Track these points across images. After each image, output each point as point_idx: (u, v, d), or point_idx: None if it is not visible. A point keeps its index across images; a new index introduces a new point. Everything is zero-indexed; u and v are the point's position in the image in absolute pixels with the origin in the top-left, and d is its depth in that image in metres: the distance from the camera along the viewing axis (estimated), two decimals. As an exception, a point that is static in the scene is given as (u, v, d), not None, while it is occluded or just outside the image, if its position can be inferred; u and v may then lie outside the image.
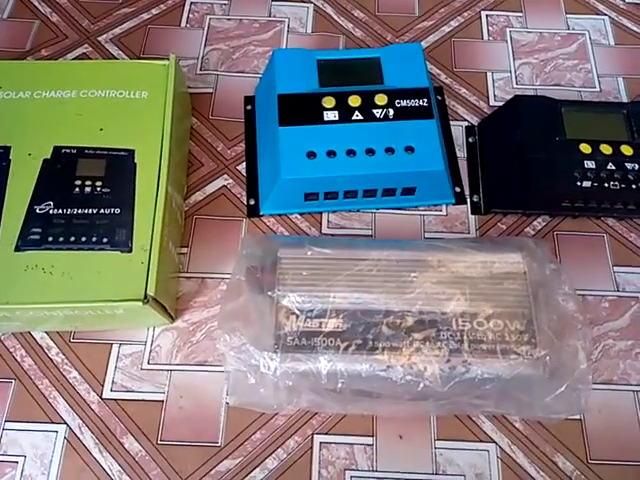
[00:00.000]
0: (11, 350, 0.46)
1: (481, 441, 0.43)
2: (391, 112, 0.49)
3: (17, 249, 0.41)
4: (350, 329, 0.40)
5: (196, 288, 0.49)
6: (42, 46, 0.61)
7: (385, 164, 0.47)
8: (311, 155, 0.47)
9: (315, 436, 0.44)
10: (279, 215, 0.52)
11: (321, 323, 0.40)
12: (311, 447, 0.43)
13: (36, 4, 0.64)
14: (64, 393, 0.45)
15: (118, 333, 0.47)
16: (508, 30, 0.63)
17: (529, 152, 0.48)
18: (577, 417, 0.44)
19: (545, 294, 0.41)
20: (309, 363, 0.39)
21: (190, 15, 0.63)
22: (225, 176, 0.54)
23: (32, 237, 0.42)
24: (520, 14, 0.64)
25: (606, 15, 0.65)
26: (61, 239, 0.42)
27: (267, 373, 0.39)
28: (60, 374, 0.45)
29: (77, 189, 0.44)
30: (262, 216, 0.52)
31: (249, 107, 0.57)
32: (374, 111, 0.49)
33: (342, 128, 0.48)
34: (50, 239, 0.42)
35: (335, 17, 0.63)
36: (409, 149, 0.47)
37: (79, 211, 0.43)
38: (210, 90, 0.59)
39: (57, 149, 0.45)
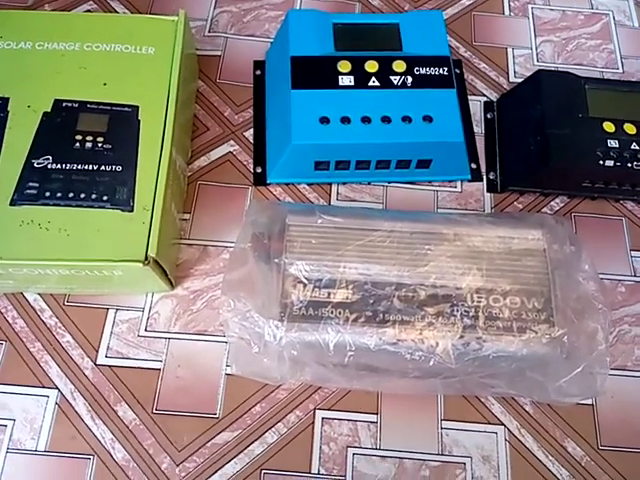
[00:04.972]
0: (2, 311, 0.44)
1: (489, 423, 0.42)
2: (409, 80, 0.47)
3: (12, 203, 0.39)
4: (360, 300, 0.38)
5: (198, 256, 0.47)
6: (45, 0, 0.58)
7: (401, 133, 0.45)
8: (324, 120, 0.45)
9: (317, 411, 0.42)
10: (286, 184, 0.50)
11: (329, 293, 0.38)
12: (313, 422, 0.42)
13: (40, -43, 0.61)
14: (57, 357, 0.43)
15: (115, 298, 0.45)
16: (530, 7, 0.61)
17: (550, 128, 0.46)
18: (589, 402, 0.42)
19: (565, 273, 0.39)
20: (316, 334, 0.37)
21: (200, -25, 0.61)
22: (231, 142, 0.52)
23: (29, 192, 0.40)
24: (543, -10, 0.62)
25: (631, -4, 0.62)
26: (59, 195, 0.40)
27: (271, 342, 0.37)
28: (53, 338, 0.44)
29: (77, 144, 0.42)
30: (269, 185, 0.50)
31: (259, 72, 0.55)
32: (392, 78, 0.47)
33: (358, 94, 0.46)
34: (47, 194, 0.40)
35: (352, -16, 0.61)
36: (427, 119, 0.45)
37: (79, 167, 0.41)
38: (218, 53, 0.56)
39: (58, 102, 0.43)
